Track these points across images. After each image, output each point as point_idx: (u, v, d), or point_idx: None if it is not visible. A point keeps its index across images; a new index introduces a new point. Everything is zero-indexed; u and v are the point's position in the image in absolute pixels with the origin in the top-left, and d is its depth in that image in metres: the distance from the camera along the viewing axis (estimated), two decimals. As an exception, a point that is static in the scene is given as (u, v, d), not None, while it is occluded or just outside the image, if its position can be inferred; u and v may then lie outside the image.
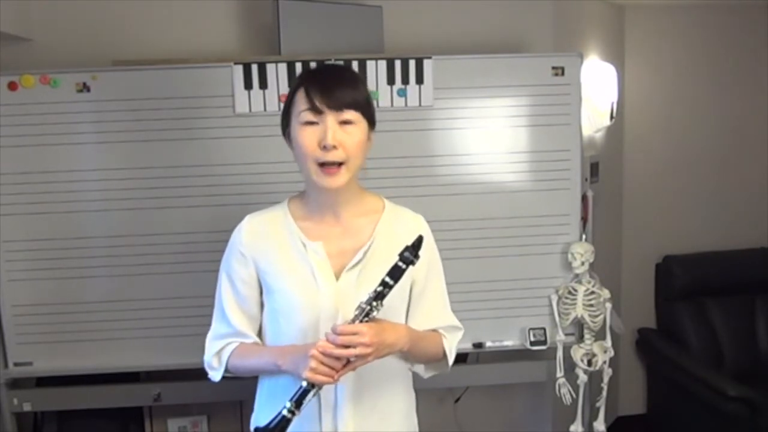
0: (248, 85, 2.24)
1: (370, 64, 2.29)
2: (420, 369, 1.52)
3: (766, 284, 3.34)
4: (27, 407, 2.36)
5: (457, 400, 2.87)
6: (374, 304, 1.25)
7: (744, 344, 3.24)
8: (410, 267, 1.26)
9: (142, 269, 2.28)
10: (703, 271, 3.32)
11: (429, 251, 1.47)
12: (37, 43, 2.49)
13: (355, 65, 2.29)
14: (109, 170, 2.25)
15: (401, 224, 1.43)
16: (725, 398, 2.73)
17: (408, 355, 1.42)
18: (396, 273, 1.26)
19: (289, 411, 1.25)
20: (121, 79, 2.23)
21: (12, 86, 2.19)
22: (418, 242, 1.27)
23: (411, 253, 1.26)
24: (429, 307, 1.47)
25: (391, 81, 2.30)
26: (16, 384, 2.37)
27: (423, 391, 2.80)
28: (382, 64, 2.30)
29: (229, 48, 2.57)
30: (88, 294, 2.29)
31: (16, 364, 2.31)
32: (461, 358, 2.59)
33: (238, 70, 2.24)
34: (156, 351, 2.30)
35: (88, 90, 2.22)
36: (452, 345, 1.50)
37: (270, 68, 2.24)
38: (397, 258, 1.26)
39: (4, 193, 2.23)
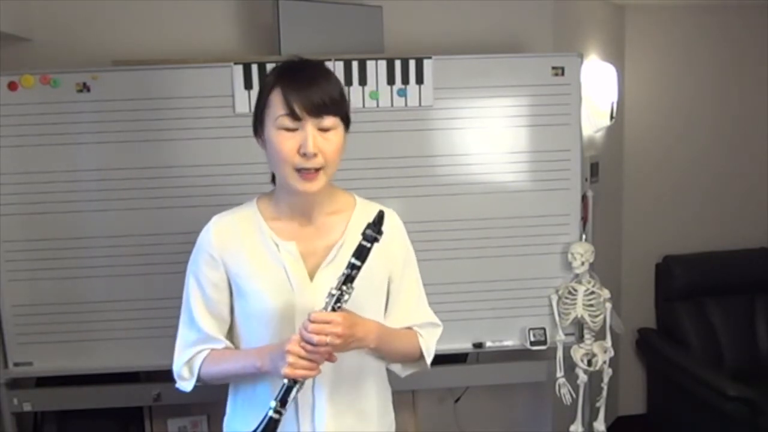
0: (248, 85, 2.24)
1: (370, 64, 2.29)
2: (397, 368, 1.50)
3: (766, 284, 3.34)
4: (27, 407, 2.37)
5: (457, 400, 2.87)
6: (344, 288, 1.23)
7: (744, 344, 3.24)
8: (375, 245, 1.23)
9: (142, 269, 2.28)
10: (703, 271, 3.32)
11: (404, 248, 1.46)
12: (37, 43, 2.49)
13: (355, 65, 2.29)
14: (109, 170, 2.25)
15: None
16: (725, 398, 2.73)
17: (377, 353, 1.39)
18: (362, 253, 1.23)
19: (276, 411, 1.21)
20: (121, 79, 2.23)
21: (12, 86, 2.19)
22: (379, 219, 1.24)
23: (373, 230, 1.23)
24: (406, 304, 1.45)
25: (391, 81, 2.30)
26: (16, 384, 2.37)
27: (423, 391, 2.83)
28: (382, 64, 2.30)
29: (229, 48, 2.57)
30: (88, 294, 2.29)
31: (16, 364, 2.31)
32: (461, 358, 2.60)
33: (238, 70, 2.24)
34: (156, 351, 2.29)
35: (88, 90, 2.22)
36: (429, 344, 1.47)
37: (270, 68, 2.24)
38: (360, 238, 1.24)
39: (4, 193, 2.23)
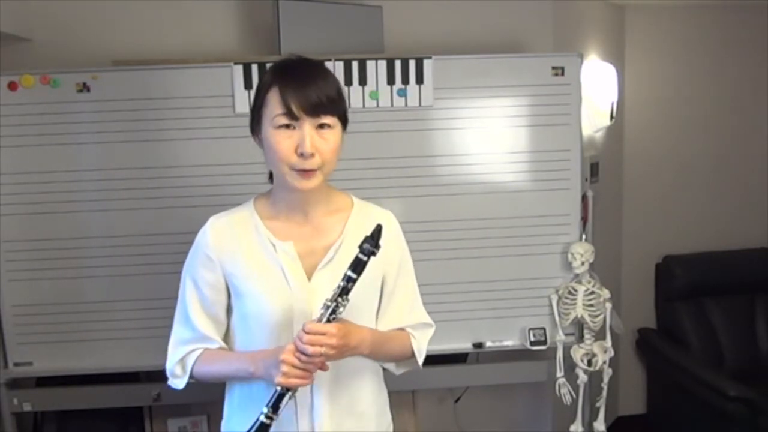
0: (248, 85, 2.24)
1: (370, 64, 2.29)
2: (391, 366, 1.50)
3: (766, 284, 3.34)
4: (27, 407, 2.37)
5: (457, 400, 2.87)
6: (339, 300, 1.23)
7: (744, 344, 3.24)
8: (372, 258, 1.23)
9: (141, 269, 2.28)
10: (703, 271, 3.32)
11: (399, 249, 1.45)
12: (37, 43, 2.49)
13: (355, 65, 2.29)
14: (109, 170, 2.25)
15: (370, 221, 1.35)
16: (725, 398, 2.73)
17: (370, 357, 1.40)
18: (358, 266, 1.23)
19: (267, 416, 1.23)
20: (121, 79, 2.23)
21: (12, 86, 2.19)
22: (377, 232, 1.24)
23: (371, 243, 1.23)
24: (400, 306, 1.45)
25: (391, 81, 2.30)
26: (16, 384, 2.37)
27: (423, 391, 2.83)
28: (382, 64, 2.30)
29: (229, 48, 2.57)
30: (88, 294, 2.29)
31: (16, 364, 2.31)
32: (461, 358, 2.60)
33: (238, 70, 2.24)
34: (156, 351, 2.27)
35: (88, 90, 2.22)
36: (421, 344, 1.48)
37: (270, 68, 2.24)
38: (357, 251, 1.24)
39: (4, 193, 2.23)
